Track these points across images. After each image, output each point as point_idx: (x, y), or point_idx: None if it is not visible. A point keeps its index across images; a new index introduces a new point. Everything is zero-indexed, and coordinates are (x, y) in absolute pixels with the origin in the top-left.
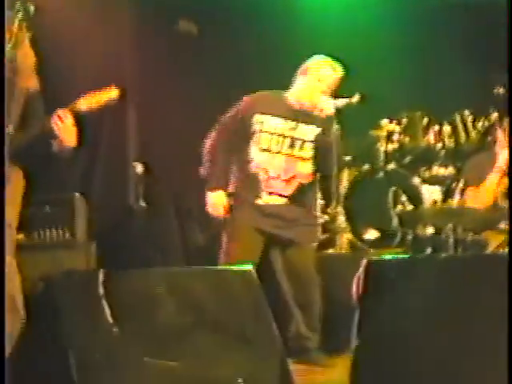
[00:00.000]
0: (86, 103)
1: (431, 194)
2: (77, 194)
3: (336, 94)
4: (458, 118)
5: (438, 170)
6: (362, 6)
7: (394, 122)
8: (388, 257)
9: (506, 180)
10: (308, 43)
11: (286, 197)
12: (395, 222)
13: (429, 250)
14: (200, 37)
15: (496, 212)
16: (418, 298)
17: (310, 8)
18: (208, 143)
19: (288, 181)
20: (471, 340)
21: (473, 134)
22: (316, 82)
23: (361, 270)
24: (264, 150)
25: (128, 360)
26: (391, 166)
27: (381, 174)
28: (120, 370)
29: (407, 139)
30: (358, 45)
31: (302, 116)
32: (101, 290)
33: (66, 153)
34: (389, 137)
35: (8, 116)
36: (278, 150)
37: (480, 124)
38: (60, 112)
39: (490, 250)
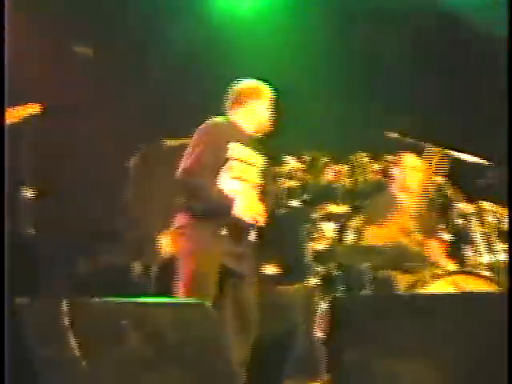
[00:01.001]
0: (8, 116)
1: (327, 231)
2: None
3: None
4: (354, 159)
5: (334, 208)
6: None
7: (297, 159)
8: (353, 294)
9: (406, 220)
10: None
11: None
12: (308, 258)
13: (341, 288)
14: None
15: (401, 251)
16: (382, 334)
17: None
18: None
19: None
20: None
21: (368, 174)
22: (256, 109)
23: (323, 306)
24: (235, 177)
25: None
26: (294, 202)
27: (283, 211)
28: None
29: (308, 177)
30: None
31: (255, 144)
32: (66, 321)
33: None
34: (291, 174)
35: None
36: (248, 178)
37: (376, 166)
38: None
39: (399, 288)
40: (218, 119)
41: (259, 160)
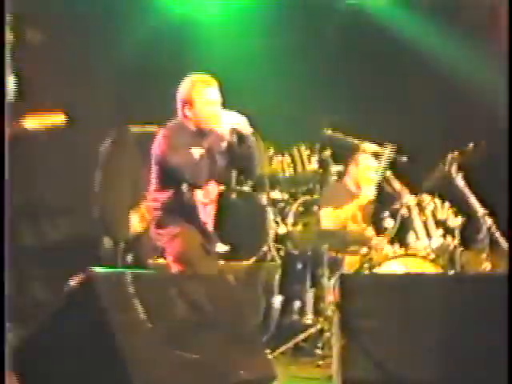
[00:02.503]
0: (31, 122)
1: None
2: None
3: None
4: (296, 152)
5: (276, 194)
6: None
7: None
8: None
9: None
10: None
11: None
12: (270, 239)
13: (299, 266)
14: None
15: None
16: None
17: None
18: None
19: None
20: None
21: (307, 166)
22: (205, 107)
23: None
24: None
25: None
26: (245, 188)
27: (233, 195)
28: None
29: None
30: None
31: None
32: (131, 289)
33: None
34: None
35: None
36: None
37: (314, 158)
38: None
39: (345, 268)
40: (169, 125)
41: None
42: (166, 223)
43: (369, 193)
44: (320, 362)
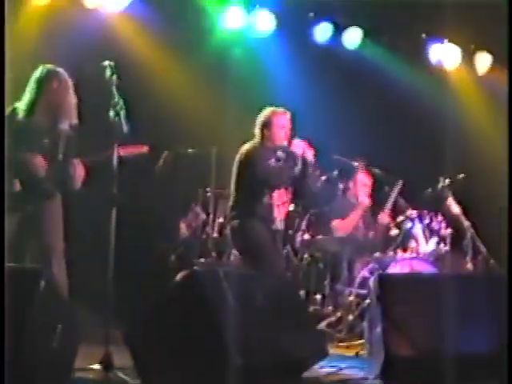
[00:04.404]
0: (124, 151)
1: None
2: None
3: None
4: None
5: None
6: None
7: None
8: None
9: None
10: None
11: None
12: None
13: (321, 265)
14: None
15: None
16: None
17: None
18: None
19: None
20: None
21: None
22: (280, 130)
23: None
24: None
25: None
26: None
27: None
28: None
29: None
30: None
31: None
32: (224, 284)
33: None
34: None
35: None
36: None
37: (323, 177)
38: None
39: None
40: (252, 143)
41: None
42: (246, 226)
43: (365, 201)
44: (341, 344)
